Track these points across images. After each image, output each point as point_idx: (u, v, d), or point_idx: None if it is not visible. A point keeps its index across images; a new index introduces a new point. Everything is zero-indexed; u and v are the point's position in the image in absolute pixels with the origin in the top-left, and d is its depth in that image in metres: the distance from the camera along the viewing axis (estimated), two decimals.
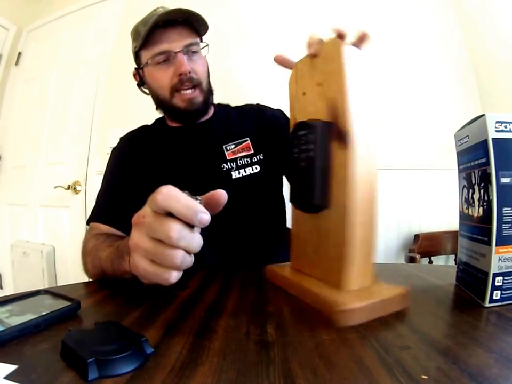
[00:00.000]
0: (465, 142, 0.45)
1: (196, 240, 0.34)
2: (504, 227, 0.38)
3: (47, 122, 1.87)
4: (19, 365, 0.27)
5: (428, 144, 1.57)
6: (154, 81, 0.78)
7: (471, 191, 0.44)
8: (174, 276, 0.34)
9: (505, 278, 0.39)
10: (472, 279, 0.43)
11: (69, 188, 1.73)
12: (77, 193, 1.72)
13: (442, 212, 1.52)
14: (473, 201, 0.43)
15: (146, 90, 0.86)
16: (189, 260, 0.34)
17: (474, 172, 0.43)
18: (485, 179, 0.40)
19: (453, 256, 1.52)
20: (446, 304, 0.43)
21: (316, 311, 0.40)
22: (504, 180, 0.39)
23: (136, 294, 0.48)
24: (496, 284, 0.39)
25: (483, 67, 1.57)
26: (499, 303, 0.40)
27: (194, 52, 0.77)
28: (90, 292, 0.51)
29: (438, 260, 1.52)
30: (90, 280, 0.64)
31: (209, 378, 0.25)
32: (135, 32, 0.78)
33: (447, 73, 1.63)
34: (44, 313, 0.36)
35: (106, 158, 0.87)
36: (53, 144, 1.84)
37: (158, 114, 0.89)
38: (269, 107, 0.92)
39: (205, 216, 0.33)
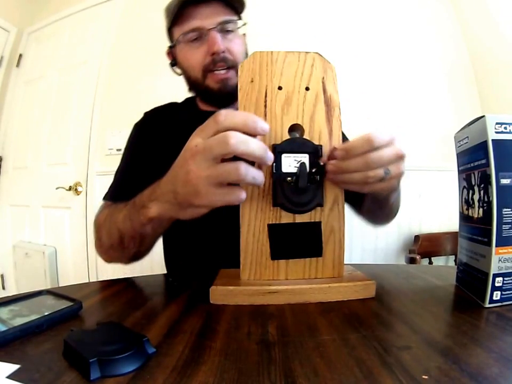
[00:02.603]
0: (465, 143, 0.46)
1: (255, 144, 0.34)
2: (504, 228, 0.39)
3: (48, 123, 1.88)
4: (22, 365, 0.27)
5: (428, 145, 1.57)
6: (186, 60, 0.74)
7: (471, 192, 0.44)
8: (243, 192, 0.36)
9: (505, 278, 0.39)
10: (472, 279, 0.44)
11: (70, 189, 1.73)
12: (78, 194, 1.72)
13: (443, 212, 1.53)
14: (473, 202, 0.43)
15: (178, 71, 0.81)
16: (254, 171, 0.35)
17: (474, 173, 0.43)
18: (485, 180, 0.40)
19: (453, 256, 1.52)
20: (446, 305, 0.43)
21: (316, 310, 0.40)
22: (504, 181, 0.39)
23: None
24: (496, 284, 0.39)
25: (483, 68, 1.57)
26: (499, 304, 0.40)
27: (229, 31, 0.72)
28: (92, 292, 0.51)
29: (438, 261, 1.52)
30: (104, 260, 0.65)
31: (210, 378, 0.26)
32: (167, 9, 0.74)
33: (446, 74, 1.63)
34: (46, 313, 0.36)
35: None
36: (54, 145, 1.85)
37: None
38: None
39: (265, 124, 0.34)
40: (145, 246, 0.57)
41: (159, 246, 1.61)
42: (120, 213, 0.54)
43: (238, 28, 0.74)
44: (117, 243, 0.56)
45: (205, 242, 0.75)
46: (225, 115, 0.35)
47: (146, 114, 0.85)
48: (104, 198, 0.73)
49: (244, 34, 0.78)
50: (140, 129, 0.82)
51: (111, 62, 1.75)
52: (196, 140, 0.36)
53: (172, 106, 0.87)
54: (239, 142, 0.33)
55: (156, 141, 0.77)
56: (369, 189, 0.43)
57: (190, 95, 0.86)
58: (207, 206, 0.38)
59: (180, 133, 0.78)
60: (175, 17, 0.70)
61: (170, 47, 0.79)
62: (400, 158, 0.42)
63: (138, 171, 0.73)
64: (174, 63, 0.80)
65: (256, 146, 0.34)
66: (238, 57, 0.72)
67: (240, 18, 0.75)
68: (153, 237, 0.55)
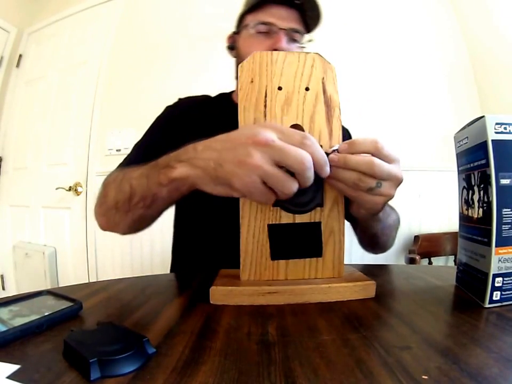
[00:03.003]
0: (464, 144, 0.46)
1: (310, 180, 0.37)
2: (503, 228, 0.39)
3: (48, 124, 1.88)
4: (22, 365, 0.27)
5: (428, 145, 1.57)
6: (247, 47, 0.74)
7: (470, 192, 0.44)
8: (274, 198, 0.38)
9: (505, 278, 0.39)
10: (472, 279, 0.44)
11: (70, 189, 1.73)
12: (78, 195, 1.72)
13: (442, 213, 1.53)
14: (473, 202, 0.43)
15: (232, 55, 0.82)
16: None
17: (474, 173, 0.43)
18: (485, 180, 0.40)
19: (453, 257, 1.52)
20: (446, 305, 0.43)
21: (316, 310, 0.40)
22: (504, 181, 0.39)
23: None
24: (496, 284, 0.39)
25: (482, 69, 1.58)
26: (499, 304, 0.40)
27: (294, 40, 0.74)
28: (92, 292, 0.51)
29: (438, 261, 1.53)
30: (100, 226, 0.64)
31: (210, 378, 0.26)
32: None
33: (446, 75, 1.63)
34: (46, 313, 0.36)
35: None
36: (54, 145, 1.85)
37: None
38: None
39: (327, 169, 0.38)
40: (152, 211, 0.53)
41: (158, 247, 1.62)
42: (135, 171, 0.52)
43: (303, 41, 0.76)
44: (124, 200, 0.52)
45: (208, 241, 0.75)
46: (313, 142, 0.37)
47: (180, 100, 0.85)
48: (118, 166, 0.71)
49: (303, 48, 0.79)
50: (171, 112, 0.82)
51: (111, 62, 1.76)
52: (271, 134, 0.36)
53: (206, 98, 0.87)
54: (309, 169, 0.36)
55: (184, 127, 0.76)
56: (355, 196, 0.42)
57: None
58: (241, 194, 0.38)
59: (209, 124, 0.72)
60: (255, 6, 0.72)
61: (235, 32, 0.80)
62: (396, 180, 0.41)
63: (157, 150, 0.71)
64: (231, 47, 0.81)
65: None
66: None
67: (307, 32, 0.77)
68: (164, 203, 0.51)
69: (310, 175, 0.36)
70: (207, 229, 0.75)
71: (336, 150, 0.41)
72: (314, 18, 0.74)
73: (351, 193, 0.42)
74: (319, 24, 0.76)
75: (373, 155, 0.40)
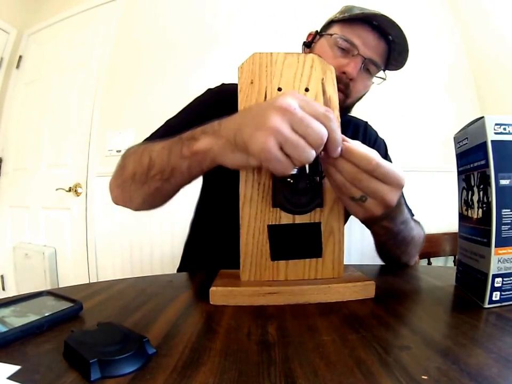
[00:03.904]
0: (464, 144, 0.46)
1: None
2: (503, 228, 0.39)
3: (48, 125, 1.88)
4: (22, 366, 0.28)
5: (427, 146, 1.57)
6: (321, 53, 0.70)
7: (470, 192, 0.44)
8: (292, 169, 0.36)
9: (505, 279, 0.39)
10: (471, 280, 0.44)
11: (70, 190, 1.73)
12: (78, 196, 1.72)
13: (442, 213, 1.52)
14: (473, 203, 0.44)
15: (304, 52, 0.80)
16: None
17: (473, 174, 0.43)
18: (484, 181, 0.40)
19: (452, 257, 1.52)
20: (445, 305, 0.43)
21: (316, 311, 0.40)
22: (503, 182, 0.39)
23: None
24: (496, 285, 0.39)
25: (481, 69, 1.58)
26: (498, 304, 0.40)
27: (368, 70, 0.72)
28: (93, 293, 0.51)
29: (437, 261, 1.52)
30: (113, 198, 0.62)
31: (210, 379, 0.26)
32: (348, 8, 0.73)
33: (445, 76, 1.63)
34: (46, 314, 0.36)
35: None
36: (54, 146, 1.85)
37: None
38: (376, 131, 0.90)
39: (339, 151, 0.37)
40: (168, 186, 0.52)
41: (159, 247, 1.61)
42: (157, 145, 0.52)
43: (375, 75, 0.75)
44: (142, 172, 0.52)
45: (223, 241, 0.75)
46: (335, 120, 0.36)
47: (223, 85, 0.82)
48: (144, 141, 0.69)
49: (371, 84, 0.78)
50: (212, 96, 0.79)
51: (111, 63, 1.76)
52: (294, 102, 0.35)
53: None
54: (321, 146, 0.35)
55: (222, 114, 0.75)
56: (339, 197, 0.42)
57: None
58: (257, 160, 0.37)
59: None
60: (350, 20, 0.70)
61: (318, 33, 0.78)
62: (384, 202, 0.40)
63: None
64: (309, 44, 0.79)
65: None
66: (353, 94, 0.72)
67: (383, 70, 0.75)
68: (182, 178, 0.49)
69: (318, 152, 0.36)
70: (223, 228, 0.75)
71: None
72: (398, 62, 0.74)
73: (336, 192, 0.42)
74: (398, 69, 0.75)
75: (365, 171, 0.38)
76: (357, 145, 0.39)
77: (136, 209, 0.62)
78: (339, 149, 0.37)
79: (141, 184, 0.53)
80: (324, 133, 0.35)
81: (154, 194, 0.54)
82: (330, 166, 0.40)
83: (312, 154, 0.35)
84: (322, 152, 0.39)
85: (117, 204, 0.64)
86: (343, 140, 0.39)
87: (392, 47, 0.71)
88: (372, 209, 0.40)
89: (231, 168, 0.41)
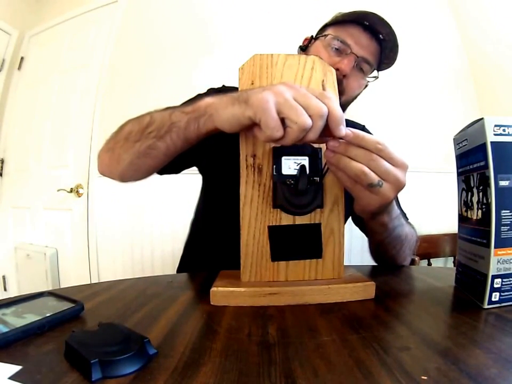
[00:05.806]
0: (464, 145, 0.46)
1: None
2: (502, 229, 0.39)
3: (49, 126, 1.88)
4: (23, 366, 0.28)
5: (427, 147, 1.57)
6: (314, 55, 0.75)
7: (470, 194, 0.44)
8: (281, 132, 0.37)
9: (504, 280, 0.39)
10: (471, 281, 0.44)
11: (71, 191, 1.74)
12: (79, 196, 1.73)
13: (441, 214, 1.52)
14: (472, 204, 0.44)
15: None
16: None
17: (473, 175, 0.43)
18: (484, 182, 0.41)
19: (452, 258, 1.52)
20: (445, 306, 0.43)
21: (316, 311, 0.40)
22: (503, 183, 0.39)
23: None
24: (495, 285, 0.39)
25: (481, 71, 1.58)
26: (498, 305, 0.40)
27: (361, 69, 0.75)
28: (94, 293, 0.52)
29: (437, 262, 1.52)
30: (100, 165, 0.62)
31: (211, 379, 0.26)
32: (341, 14, 0.77)
33: (445, 77, 1.63)
34: (47, 314, 0.37)
35: None
36: (56, 147, 1.85)
37: None
38: (373, 134, 0.91)
39: (342, 129, 0.38)
40: (161, 145, 0.51)
41: (159, 248, 1.62)
42: (162, 108, 0.54)
43: (368, 74, 0.77)
44: (139, 129, 0.52)
45: (222, 242, 0.75)
46: (333, 98, 0.38)
47: (224, 87, 0.84)
48: None
49: (367, 85, 0.80)
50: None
51: (112, 64, 1.76)
52: (297, 85, 0.39)
53: None
54: (322, 118, 0.37)
55: None
56: (353, 189, 0.43)
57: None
58: (254, 108, 0.38)
59: None
60: (340, 22, 0.73)
61: (313, 37, 0.82)
62: (398, 184, 0.41)
63: None
64: (304, 48, 0.82)
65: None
66: (346, 91, 0.74)
67: (376, 70, 0.78)
68: (177, 137, 0.49)
69: (321, 125, 0.37)
70: (223, 229, 0.75)
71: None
72: (389, 59, 0.76)
73: (350, 185, 0.42)
74: (390, 66, 0.77)
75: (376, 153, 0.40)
76: (361, 132, 0.40)
77: (121, 177, 0.61)
78: (342, 127, 0.38)
79: (133, 143, 0.53)
80: (324, 107, 0.36)
81: (144, 155, 0.53)
82: (343, 157, 0.40)
83: (309, 121, 0.36)
84: (327, 149, 0.41)
85: (102, 172, 0.64)
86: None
87: (383, 45, 0.74)
88: (387, 194, 0.41)
89: (224, 127, 0.43)
